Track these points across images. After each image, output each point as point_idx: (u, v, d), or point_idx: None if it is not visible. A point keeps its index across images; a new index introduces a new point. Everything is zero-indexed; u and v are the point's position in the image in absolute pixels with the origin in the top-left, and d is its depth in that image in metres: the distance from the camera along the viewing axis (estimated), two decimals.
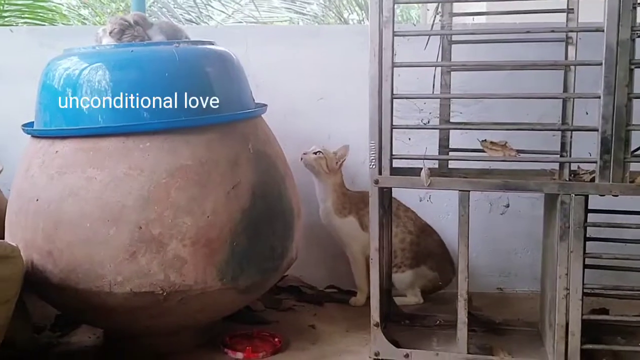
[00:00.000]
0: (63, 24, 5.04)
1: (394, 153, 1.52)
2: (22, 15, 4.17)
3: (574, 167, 1.56)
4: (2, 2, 3.97)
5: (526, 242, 2.13)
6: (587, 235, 1.46)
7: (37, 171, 1.51)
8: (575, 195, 1.43)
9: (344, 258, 2.03)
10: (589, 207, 1.47)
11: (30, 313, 1.67)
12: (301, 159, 1.92)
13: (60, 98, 1.51)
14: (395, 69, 1.48)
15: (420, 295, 1.98)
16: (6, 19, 4.02)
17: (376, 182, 1.53)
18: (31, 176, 1.52)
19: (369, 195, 1.56)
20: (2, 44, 2.12)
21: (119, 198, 1.42)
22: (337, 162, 1.93)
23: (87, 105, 1.47)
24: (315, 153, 1.91)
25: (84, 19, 6.56)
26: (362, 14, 7.35)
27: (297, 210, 1.73)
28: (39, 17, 4.24)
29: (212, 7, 6.76)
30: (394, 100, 1.49)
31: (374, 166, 1.52)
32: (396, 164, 1.55)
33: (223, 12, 7.05)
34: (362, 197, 1.88)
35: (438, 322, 1.76)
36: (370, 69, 1.49)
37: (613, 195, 1.42)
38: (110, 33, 1.61)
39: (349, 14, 7.68)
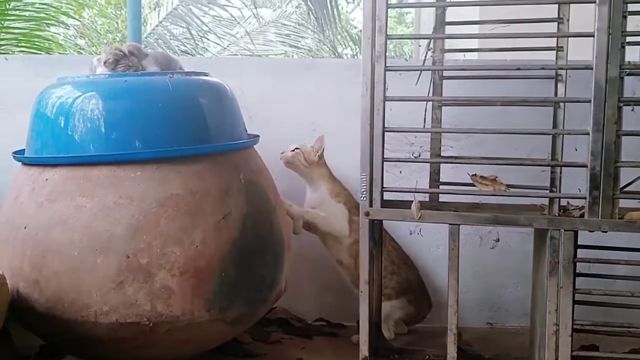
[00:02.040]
0: (59, 53, 5.08)
1: (385, 186, 1.53)
2: (19, 44, 4.21)
3: (563, 202, 1.57)
4: None
5: (516, 277, 2.13)
6: (577, 271, 1.46)
7: (27, 199, 1.50)
8: (565, 230, 1.44)
9: (334, 290, 2.02)
10: (579, 243, 1.47)
11: (14, 343, 1.64)
12: (280, 159, 1.93)
13: (52, 126, 1.52)
14: (387, 102, 1.49)
15: (393, 331, 1.93)
16: (2, 47, 4.05)
17: (367, 214, 1.54)
18: (20, 203, 1.51)
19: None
20: None
21: (108, 227, 1.41)
22: (316, 154, 1.93)
23: (79, 134, 1.48)
24: (292, 150, 1.93)
25: (80, 48, 6.61)
26: (356, 49, 7.45)
27: (288, 242, 1.73)
28: (36, 46, 4.28)
29: (207, 39, 6.84)
30: (385, 133, 1.51)
31: (364, 198, 1.53)
32: (387, 196, 1.55)
33: (219, 44, 7.14)
34: (352, 196, 1.95)
35: (427, 356, 1.74)
36: (362, 103, 1.51)
37: (602, 231, 1.42)
38: (104, 63, 1.62)
39: (343, 48, 7.79)
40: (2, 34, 4.10)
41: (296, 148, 1.93)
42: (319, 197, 1.94)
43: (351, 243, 1.89)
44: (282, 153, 1.93)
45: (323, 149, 1.94)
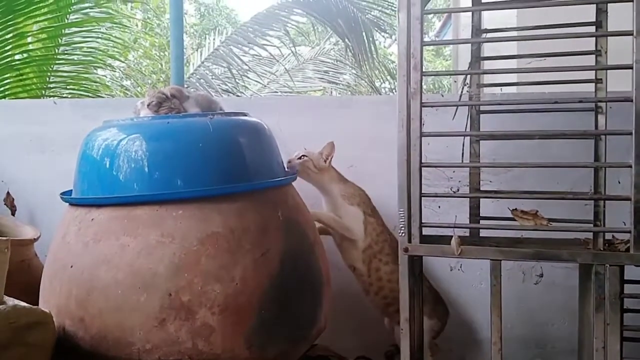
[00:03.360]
0: (106, 94, 5.26)
1: (423, 221, 1.52)
2: (67, 87, 4.37)
3: (609, 236, 1.54)
4: (48, 74, 4.18)
5: (562, 313, 2.07)
6: (624, 307, 1.42)
7: (73, 238, 1.54)
8: (610, 265, 1.40)
9: (375, 327, 2.00)
10: (626, 278, 1.43)
11: None
12: (287, 168, 1.90)
13: (98, 167, 1.56)
14: (423, 137, 1.50)
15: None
16: (52, 90, 4.22)
17: (406, 250, 1.52)
18: (67, 243, 1.55)
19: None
20: (46, 115, 2.22)
21: (151, 265, 1.44)
22: (325, 160, 1.91)
23: (124, 174, 1.52)
24: (299, 158, 1.90)
25: (126, 89, 6.83)
26: (394, 83, 7.47)
27: (327, 278, 1.73)
28: (83, 88, 4.44)
29: (248, 77, 6.96)
30: (423, 168, 1.50)
31: (403, 234, 1.52)
32: (426, 231, 1.54)
33: (259, 82, 7.26)
34: (367, 196, 1.94)
35: None
36: (398, 139, 1.51)
37: None
38: (148, 105, 1.67)
39: (381, 82, 7.83)
40: (52, 77, 4.27)
41: (303, 155, 1.91)
42: (333, 201, 1.92)
43: (365, 247, 1.87)
44: (289, 162, 1.91)
45: (332, 156, 1.93)
